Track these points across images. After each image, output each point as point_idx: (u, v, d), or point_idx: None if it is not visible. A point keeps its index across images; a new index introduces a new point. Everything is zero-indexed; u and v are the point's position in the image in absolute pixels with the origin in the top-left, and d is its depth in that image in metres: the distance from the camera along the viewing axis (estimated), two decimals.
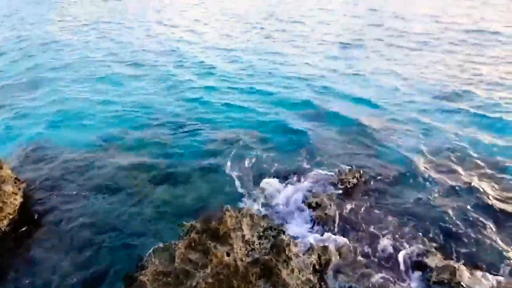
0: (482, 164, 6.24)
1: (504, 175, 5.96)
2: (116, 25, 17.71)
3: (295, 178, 5.92)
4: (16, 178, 5.32)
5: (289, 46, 13.58)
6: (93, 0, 24.92)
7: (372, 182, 5.86)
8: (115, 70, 11.23)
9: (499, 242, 4.64)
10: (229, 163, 6.21)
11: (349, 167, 6.04)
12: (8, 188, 5.01)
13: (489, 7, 19.75)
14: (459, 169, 6.14)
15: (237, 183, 5.75)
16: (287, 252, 3.77)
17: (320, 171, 6.07)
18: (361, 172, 5.93)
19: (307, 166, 6.21)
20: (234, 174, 5.96)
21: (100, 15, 19.94)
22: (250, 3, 22.98)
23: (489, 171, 6.07)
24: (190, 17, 19.48)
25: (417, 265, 4.38)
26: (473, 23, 16.10)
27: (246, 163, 6.34)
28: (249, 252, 3.83)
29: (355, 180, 5.77)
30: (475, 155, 6.48)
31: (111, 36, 15.58)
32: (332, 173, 6.02)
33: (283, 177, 5.87)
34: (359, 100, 8.92)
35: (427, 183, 5.86)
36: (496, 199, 5.42)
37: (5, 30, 17.27)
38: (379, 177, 5.97)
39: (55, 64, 11.81)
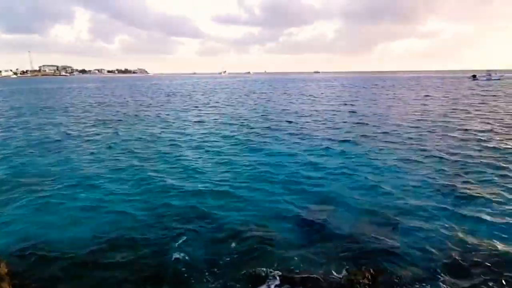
0: None
1: None
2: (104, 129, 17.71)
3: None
4: (11, 276, 5.06)
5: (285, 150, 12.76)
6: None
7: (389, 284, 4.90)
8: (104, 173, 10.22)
9: None
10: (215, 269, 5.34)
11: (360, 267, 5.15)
12: (5, 285, 4.80)
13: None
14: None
15: None
16: None
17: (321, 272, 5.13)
18: (373, 271, 4.96)
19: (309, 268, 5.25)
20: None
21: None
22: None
23: None
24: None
25: None
26: None
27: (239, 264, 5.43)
28: None
29: (366, 281, 4.79)
30: None
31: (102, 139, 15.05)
32: (339, 276, 5.04)
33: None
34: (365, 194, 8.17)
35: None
36: None
37: None
38: (396, 279, 5.01)
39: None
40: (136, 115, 21.55)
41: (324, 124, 18.39)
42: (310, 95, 39.30)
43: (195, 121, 19.70)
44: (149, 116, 21.30)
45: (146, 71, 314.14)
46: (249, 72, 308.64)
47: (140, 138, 14.58)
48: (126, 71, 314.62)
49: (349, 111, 22.81)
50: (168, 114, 21.86)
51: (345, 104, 27.91)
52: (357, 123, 18.12)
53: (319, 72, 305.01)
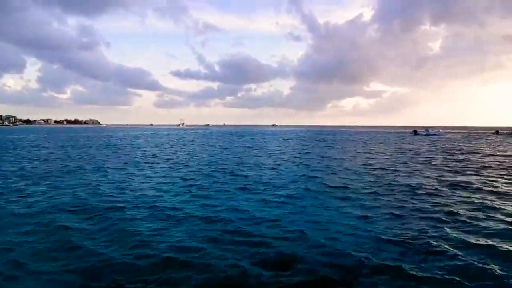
0: None
1: None
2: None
3: None
4: None
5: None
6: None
7: None
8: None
9: None
10: None
11: None
12: None
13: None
14: None
15: None
16: None
17: None
18: None
19: None
20: None
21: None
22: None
23: None
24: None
25: None
26: None
27: None
28: None
29: None
30: None
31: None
32: None
33: None
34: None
35: None
36: None
37: None
38: None
39: None
40: (65, 169, 17.99)
41: (276, 176, 16.90)
42: (265, 148, 38.38)
43: (138, 175, 16.83)
44: (81, 170, 17.86)
45: (99, 122, 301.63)
46: (208, 125, 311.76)
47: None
48: (76, 122, 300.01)
49: (301, 164, 21.58)
50: (107, 168, 18.61)
51: (296, 158, 26.91)
52: (309, 176, 16.76)
53: (276, 125, 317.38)
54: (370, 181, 16.00)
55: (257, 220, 9.56)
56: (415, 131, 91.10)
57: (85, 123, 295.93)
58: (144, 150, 34.75)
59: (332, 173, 18.74)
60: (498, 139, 65.17)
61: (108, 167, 20.46)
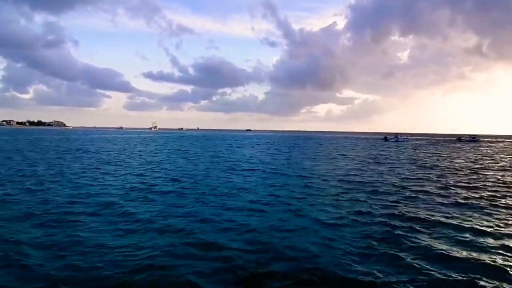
0: None
1: None
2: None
3: None
4: None
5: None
6: None
7: None
8: None
9: None
10: None
11: None
12: None
13: None
14: None
15: None
16: None
17: None
18: None
19: None
20: None
21: None
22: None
23: None
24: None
25: None
26: None
27: None
28: None
29: None
30: None
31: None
32: None
33: None
34: None
35: None
36: None
37: None
38: None
39: None
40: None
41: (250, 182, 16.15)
42: (240, 154, 37.64)
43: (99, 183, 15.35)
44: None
45: (64, 124, 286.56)
46: (181, 128, 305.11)
47: None
48: (39, 123, 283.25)
49: (272, 171, 21.09)
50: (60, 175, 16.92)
51: (267, 163, 26.44)
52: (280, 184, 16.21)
53: (251, 130, 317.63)
54: (340, 187, 15.72)
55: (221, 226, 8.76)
56: (385, 138, 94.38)
57: (49, 124, 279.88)
58: (105, 155, 32.79)
59: (308, 182, 18.27)
60: (458, 145, 69.23)
61: (59, 173, 18.76)
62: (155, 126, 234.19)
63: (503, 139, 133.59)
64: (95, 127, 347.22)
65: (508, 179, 19.45)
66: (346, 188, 15.46)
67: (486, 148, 60.21)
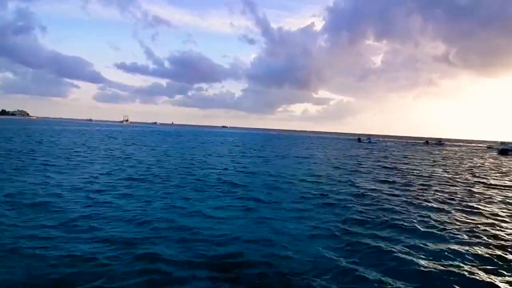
0: None
1: None
2: None
3: None
4: None
5: None
6: None
7: None
8: None
9: None
10: None
11: None
12: None
13: None
14: None
15: None
16: None
17: None
18: None
19: None
20: None
21: None
22: None
23: None
24: None
25: None
26: None
27: None
28: None
29: None
30: None
31: None
32: None
33: None
34: None
35: None
36: None
37: None
38: None
39: None
40: None
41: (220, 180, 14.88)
42: (214, 151, 36.27)
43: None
44: None
45: (28, 114, 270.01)
46: (155, 123, 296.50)
47: None
48: (3, 113, 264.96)
49: (245, 170, 20.05)
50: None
51: (242, 162, 25.38)
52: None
53: (227, 127, 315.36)
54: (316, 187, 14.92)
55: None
56: (359, 139, 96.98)
57: (12, 114, 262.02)
58: (66, 149, 30.29)
59: (286, 182, 17.35)
60: (425, 147, 72.09)
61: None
62: (127, 119, 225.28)
63: (465, 144, 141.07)
64: (61, 118, 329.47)
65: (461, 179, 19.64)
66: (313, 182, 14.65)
67: (450, 151, 62.79)
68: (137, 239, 7.61)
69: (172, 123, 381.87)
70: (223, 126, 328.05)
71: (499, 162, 38.82)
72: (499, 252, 7.79)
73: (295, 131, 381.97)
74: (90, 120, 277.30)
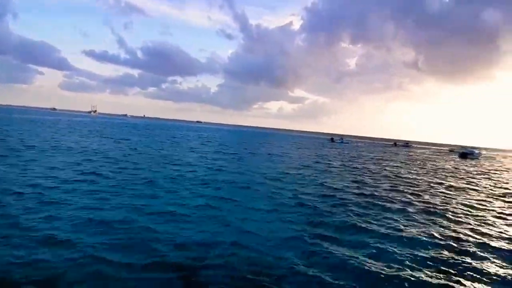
0: None
1: None
2: None
3: None
4: None
5: None
6: None
7: None
8: None
9: None
10: None
11: None
12: None
13: None
14: None
15: None
16: None
17: None
18: None
19: None
20: None
21: None
22: None
23: None
24: None
25: None
26: None
27: None
28: None
29: None
30: None
31: None
32: None
33: None
34: None
35: None
36: None
37: None
38: None
39: None
40: None
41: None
42: (187, 146, 35.25)
43: None
44: None
45: None
46: (126, 115, 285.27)
47: None
48: None
49: (216, 168, 19.54)
50: None
51: (214, 159, 24.82)
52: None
53: (201, 122, 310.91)
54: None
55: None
56: (332, 139, 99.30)
57: None
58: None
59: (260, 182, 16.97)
60: (395, 149, 75.21)
61: None
62: (95, 110, 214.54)
63: (430, 146, 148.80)
64: (24, 106, 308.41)
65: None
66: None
67: (416, 153, 65.79)
68: (87, 240, 6.98)
69: (144, 115, 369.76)
70: (197, 121, 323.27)
71: (458, 165, 41.03)
72: (453, 255, 7.96)
73: (271, 128, 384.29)
74: (54, 109, 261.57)
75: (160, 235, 7.72)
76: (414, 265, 7.09)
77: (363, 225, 9.82)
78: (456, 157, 62.21)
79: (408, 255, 7.64)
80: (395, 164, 34.32)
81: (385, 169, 27.68)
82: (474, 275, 6.82)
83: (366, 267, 6.76)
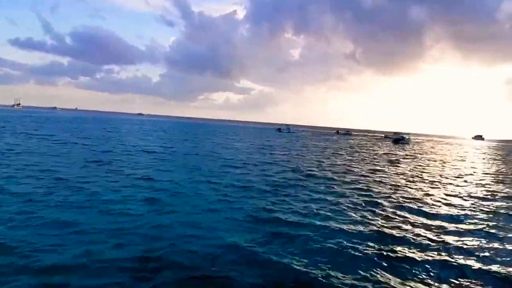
0: None
1: None
2: None
3: None
4: None
5: None
6: None
7: None
8: None
9: None
10: None
11: None
12: None
13: None
14: None
15: None
16: None
17: None
18: None
19: None
20: None
21: None
22: None
23: None
24: None
25: None
26: None
27: None
28: None
29: None
30: None
31: None
32: None
33: None
34: None
35: None
36: None
37: None
38: None
39: None
40: None
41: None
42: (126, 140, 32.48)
43: None
44: None
45: None
46: (55, 108, 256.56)
47: None
48: None
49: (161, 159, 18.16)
50: None
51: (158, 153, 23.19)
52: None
53: (143, 114, 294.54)
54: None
55: None
56: (279, 129, 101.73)
57: None
58: None
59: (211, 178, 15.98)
60: (336, 137, 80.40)
61: None
62: (19, 103, 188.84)
63: (368, 133, 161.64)
64: None
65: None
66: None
67: (355, 140, 70.74)
68: (18, 243, 6.26)
69: (76, 108, 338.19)
70: (139, 114, 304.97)
71: (392, 150, 44.94)
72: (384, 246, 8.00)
73: (217, 120, 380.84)
74: None
75: (97, 229, 6.66)
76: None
77: (304, 212, 9.78)
78: (390, 142, 68.25)
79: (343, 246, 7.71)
80: (336, 152, 36.28)
81: (327, 157, 28.92)
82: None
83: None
